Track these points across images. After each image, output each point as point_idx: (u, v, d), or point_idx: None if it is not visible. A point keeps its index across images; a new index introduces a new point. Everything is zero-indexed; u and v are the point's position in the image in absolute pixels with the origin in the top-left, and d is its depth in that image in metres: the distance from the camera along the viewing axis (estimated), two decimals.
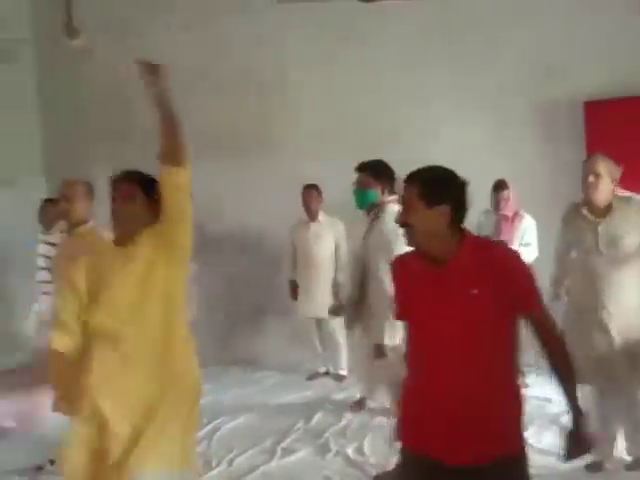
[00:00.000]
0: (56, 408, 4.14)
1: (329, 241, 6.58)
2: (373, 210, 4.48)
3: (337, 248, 6.55)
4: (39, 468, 4.85)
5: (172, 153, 2.84)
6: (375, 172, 4.43)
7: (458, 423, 2.37)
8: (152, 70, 2.94)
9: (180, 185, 2.89)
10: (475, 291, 2.35)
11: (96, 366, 3.03)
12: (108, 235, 3.82)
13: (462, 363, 2.37)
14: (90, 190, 4.28)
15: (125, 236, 3.05)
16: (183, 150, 2.87)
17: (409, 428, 2.55)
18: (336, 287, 6.52)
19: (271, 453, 4.88)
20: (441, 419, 2.40)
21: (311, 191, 6.59)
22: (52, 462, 4.85)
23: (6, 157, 7.84)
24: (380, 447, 4.77)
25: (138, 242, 3.00)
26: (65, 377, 3.41)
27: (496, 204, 6.07)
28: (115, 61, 7.82)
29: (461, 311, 2.37)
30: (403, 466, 2.61)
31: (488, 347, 2.38)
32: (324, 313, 6.49)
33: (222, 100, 7.35)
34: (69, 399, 3.94)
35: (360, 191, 4.51)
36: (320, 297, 6.53)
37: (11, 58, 8.11)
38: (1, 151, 7.79)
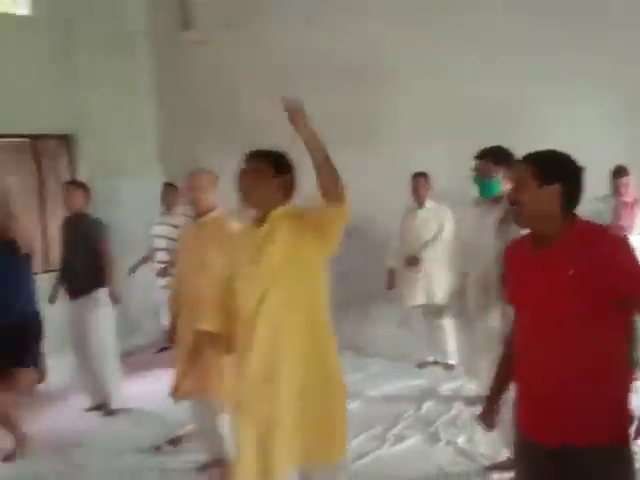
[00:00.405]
0: (179, 390, 4.33)
1: (436, 228, 6.54)
2: (493, 198, 4.28)
3: (440, 231, 6.49)
4: (157, 448, 5.04)
5: (331, 192, 2.87)
6: (496, 159, 4.19)
7: (554, 405, 2.38)
8: (296, 113, 2.99)
9: (342, 217, 2.93)
10: (571, 272, 2.32)
11: (241, 350, 3.08)
12: (235, 222, 3.94)
13: (559, 346, 2.36)
14: (215, 179, 4.40)
15: (259, 214, 3.08)
16: (341, 186, 2.89)
17: (517, 411, 2.58)
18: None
19: (382, 440, 4.91)
20: (541, 401, 2.43)
21: (420, 178, 6.57)
22: (171, 442, 5.06)
23: (126, 148, 8.19)
24: (491, 438, 4.70)
25: (274, 223, 3.02)
26: (205, 359, 3.53)
27: (615, 190, 5.89)
28: (229, 52, 8.03)
29: (558, 293, 2.36)
30: (514, 448, 2.67)
31: (586, 331, 2.34)
32: (436, 298, 6.48)
33: (333, 88, 7.40)
34: (199, 381, 4.11)
35: (480, 179, 4.30)
36: (432, 283, 6.52)
37: (128, 51, 8.43)
38: (121, 142, 8.13)
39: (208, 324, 3.22)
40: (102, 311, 5.84)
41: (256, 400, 3.01)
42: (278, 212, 3.05)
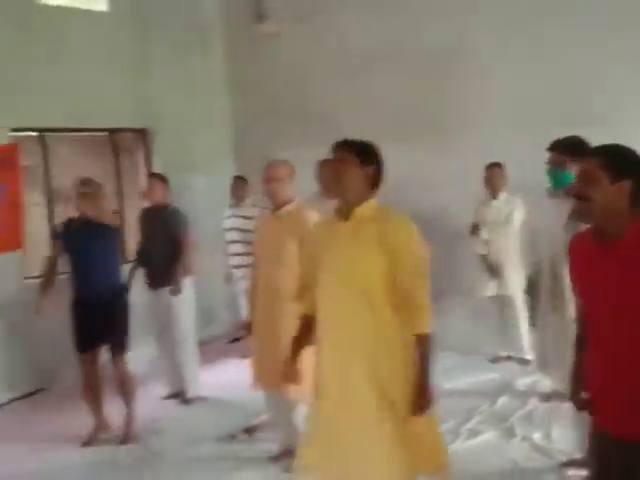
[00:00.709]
0: (260, 380, 4.37)
1: (508, 219, 6.43)
2: (566, 189, 4.19)
3: (511, 222, 6.38)
4: (232, 437, 5.12)
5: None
6: (570, 150, 4.07)
7: (631, 399, 2.37)
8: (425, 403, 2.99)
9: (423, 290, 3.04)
10: (632, 270, 2.32)
11: (322, 344, 3.13)
12: (312, 213, 3.96)
13: (631, 339, 2.34)
14: (292, 171, 4.42)
15: (345, 205, 3.08)
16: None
17: (593, 405, 2.56)
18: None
19: (455, 434, 4.87)
20: (616, 395, 2.41)
21: (494, 169, 6.47)
22: (246, 431, 5.14)
23: (199, 141, 8.32)
24: (568, 434, 4.61)
25: (361, 223, 3.03)
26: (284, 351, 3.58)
27: None
28: (302, 44, 8.05)
29: (618, 289, 2.35)
30: (589, 444, 2.65)
31: None
32: (509, 291, 6.40)
33: (407, 78, 7.36)
34: (277, 373, 4.17)
35: (554, 171, 4.22)
36: (504, 275, 6.43)
37: (202, 45, 8.56)
38: (195, 136, 8.26)
39: (307, 308, 3.25)
40: (184, 300, 5.98)
41: (329, 396, 3.07)
42: (365, 211, 3.05)
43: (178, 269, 5.89)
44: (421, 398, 2.97)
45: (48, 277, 5.35)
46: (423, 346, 2.99)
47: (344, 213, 3.08)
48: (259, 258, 4.56)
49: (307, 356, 3.32)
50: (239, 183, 7.37)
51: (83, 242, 5.13)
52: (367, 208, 3.05)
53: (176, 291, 5.86)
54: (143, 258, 6.10)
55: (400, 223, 3.04)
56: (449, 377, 6.11)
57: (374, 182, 3.09)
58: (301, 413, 4.23)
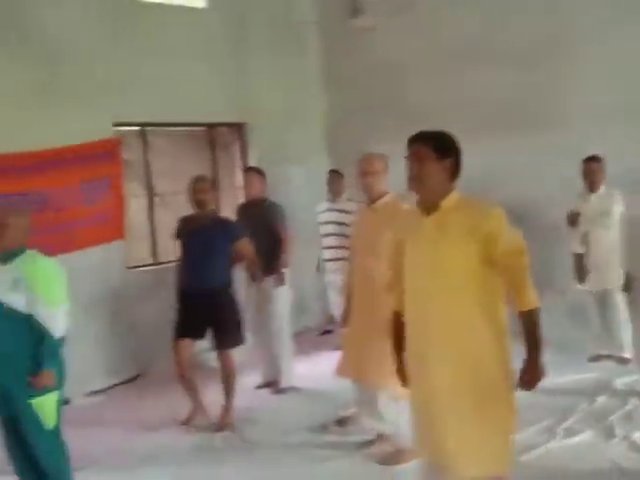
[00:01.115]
0: (345, 370, 4.43)
1: (607, 213, 6.22)
2: None
3: (610, 216, 6.17)
4: (324, 427, 5.16)
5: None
6: None
7: None
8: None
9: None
10: None
11: (410, 338, 3.15)
12: (407, 206, 3.96)
13: None
14: (386, 164, 4.44)
15: (426, 199, 3.06)
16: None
17: None
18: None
19: (552, 433, 4.76)
20: None
21: (592, 163, 6.27)
22: (338, 422, 5.17)
23: (294, 135, 8.40)
24: None
25: (446, 215, 3.00)
26: (375, 343, 3.60)
27: None
28: (396, 38, 8.02)
29: None
30: None
31: None
32: (609, 285, 6.21)
33: (499, 71, 7.23)
34: (367, 364, 4.23)
35: None
36: (605, 269, 6.23)
37: (298, 40, 8.63)
38: (290, 130, 8.35)
39: (397, 306, 3.26)
40: (282, 292, 6.09)
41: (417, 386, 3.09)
42: (449, 203, 3.01)
43: (280, 261, 6.00)
44: (531, 373, 2.94)
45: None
46: (533, 322, 2.94)
47: (427, 207, 3.05)
48: (356, 251, 4.61)
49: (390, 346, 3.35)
50: (335, 177, 7.38)
51: (200, 236, 5.30)
52: (450, 200, 3.02)
53: (280, 282, 5.98)
54: None
55: (488, 208, 2.99)
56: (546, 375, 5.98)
57: (453, 173, 3.04)
58: (388, 404, 4.26)
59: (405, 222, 3.26)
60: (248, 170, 6.53)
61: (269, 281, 6.02)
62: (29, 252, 3.81)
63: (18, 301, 3.69)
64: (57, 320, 3.71)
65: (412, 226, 3.14)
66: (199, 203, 5.37)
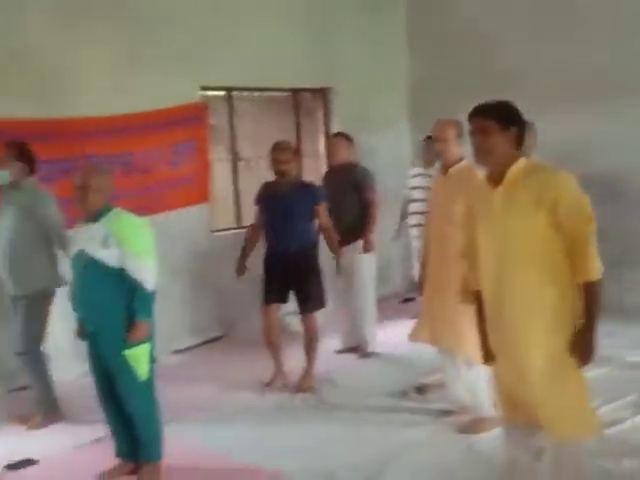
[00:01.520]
0: (419, 335, 4.44)
1: None
2: None
3: None
4: (404, 394, 5.18)
5: None
6: None
7: None
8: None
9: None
10: None
11: (487, 311, 3.16)
12: (481, 173, 3.91)
13: None
14: (460, 129, 4.38)
15: (494, 170, 3.06)
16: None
17: None
18: None
19: (637, 407, 4.64)
20: None
21: None
22: (418, 389, 5.18)
23: (378, 101, 8.33)
24: None
25: (513, 184, 2.98)
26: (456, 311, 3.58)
27: None
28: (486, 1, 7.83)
29: None
30: None
31: None
32: None
33: (588, 36, 6.98)
34: (449, 331, 4.24)
35: None
36: None
37: (382, 3, 8.50)
38: (374, 95, 8.28)
39: (476, 284, 3.24)
40: (368, 258, 6.12)
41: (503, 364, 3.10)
42: (516, 172, 2.99)
43: (369, 227, 6.01)
44: (584, 347, 2.89)
45: (250, 243, 5.64)
46: (592, 294, 2.89)
47: (495, 179, 3.04)
48: (431, 217, 4.60)
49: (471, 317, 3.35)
50: (428, 144, 7.13)
51: (283, 202, 5.33)
52: (517, 169, 2.99)
53: (369, 247, 5.99)
54: (330, 217, 6.23)
55: (555, 172, 2.96)
56: (633, 350, 5.84)
57: (518, 142, 3.02)
58: (472, 372, 4.24)
59: (476, 193, 3.23)
60: (335, 136, 6.48)
61: (356, 246, 6.03)
62: (115, 210, 3.92)
63: (109, 257, 3.79)
64: (147, 272, 3.80)
65: (483, 198, 3.12)
66: (280, 173, 5.37)
